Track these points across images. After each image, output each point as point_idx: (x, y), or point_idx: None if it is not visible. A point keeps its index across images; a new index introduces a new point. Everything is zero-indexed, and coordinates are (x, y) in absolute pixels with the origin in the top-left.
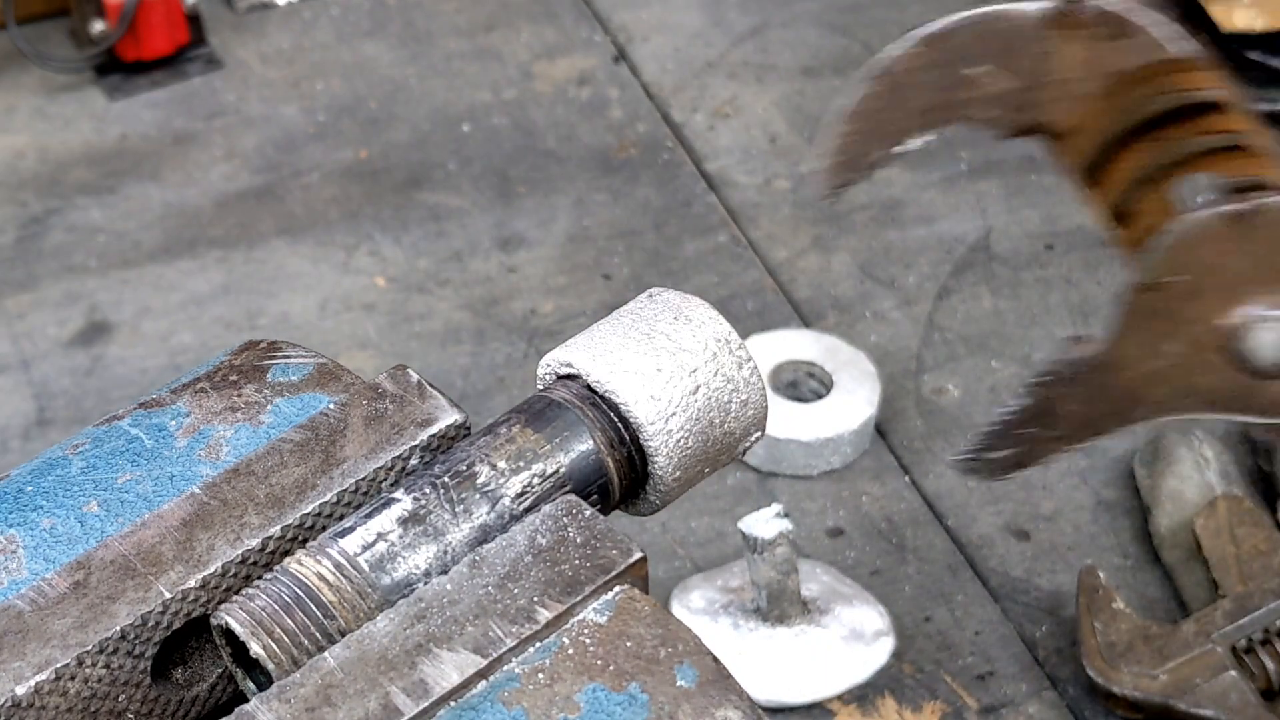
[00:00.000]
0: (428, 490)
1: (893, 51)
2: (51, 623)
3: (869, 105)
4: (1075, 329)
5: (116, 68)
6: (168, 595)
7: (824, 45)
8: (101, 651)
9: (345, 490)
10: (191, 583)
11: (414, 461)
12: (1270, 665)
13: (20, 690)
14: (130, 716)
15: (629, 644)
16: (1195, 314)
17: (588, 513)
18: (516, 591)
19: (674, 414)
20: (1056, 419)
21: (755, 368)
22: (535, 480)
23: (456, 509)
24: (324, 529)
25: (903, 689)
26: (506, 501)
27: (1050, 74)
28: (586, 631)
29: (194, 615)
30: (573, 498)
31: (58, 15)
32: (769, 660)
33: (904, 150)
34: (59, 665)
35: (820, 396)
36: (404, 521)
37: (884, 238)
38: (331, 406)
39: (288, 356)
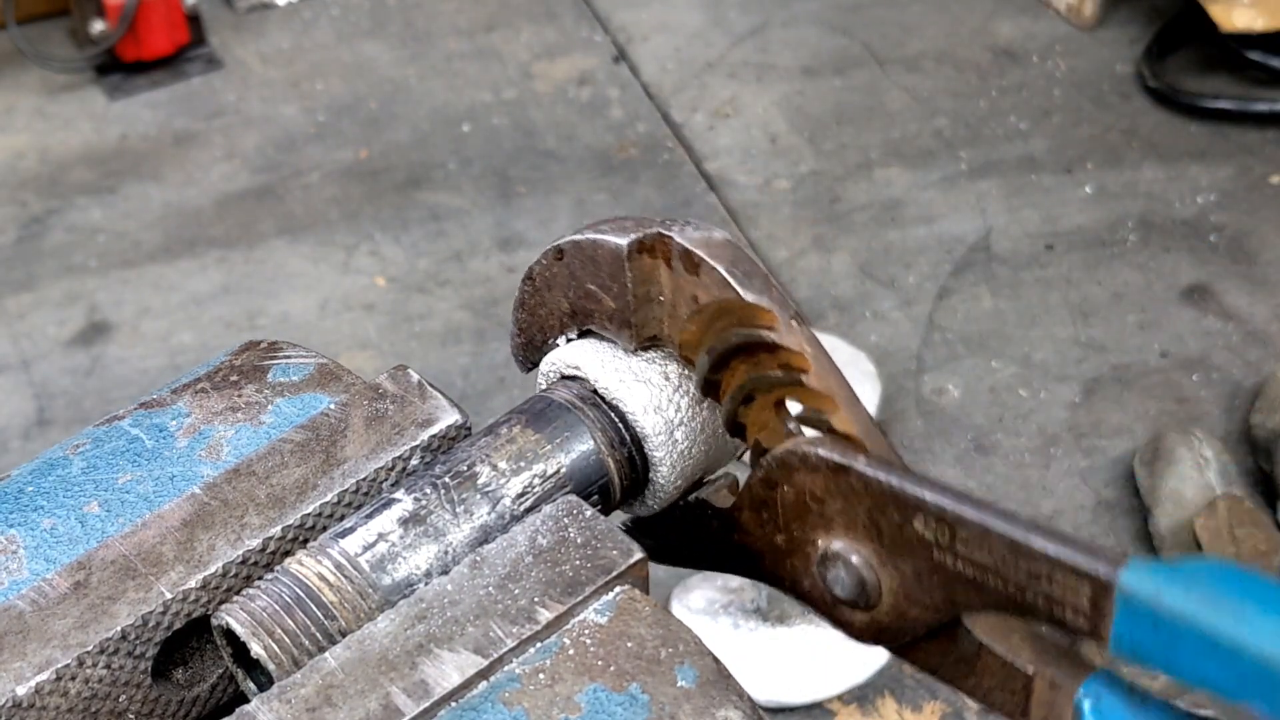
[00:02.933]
0: (428, 490)
1: (536, 259)
2: (52, 623)
3: (528, 299)
4: (1075, 328)
5: (116, 68)
6: (168, 595)
7: (824, 45)
8: (102, 652)
9: (346, 490)
10: (192, 583)
11: (414, 461)
12: None
13: (20, 690)
14: (131, 717)
15: (629, 644)
16: (798, 526)
17: (588, 513)
18: (517, 592)
19: (679, 424)
20: (695, 545)
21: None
22: (536, 480)
23: (457, 509)
24: (324, 529)
25: (903, 689)
26: (507, 502)
27: (650, 296)
28: (587, 632)
29: (194, 615)
30: (573, 498)
31: (58, 15)
32: (769, 660)
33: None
34: (59, 665)
35: None
36: (405, 522)
37: (884, 238)
38: (332, 407)
39: (288, 357)
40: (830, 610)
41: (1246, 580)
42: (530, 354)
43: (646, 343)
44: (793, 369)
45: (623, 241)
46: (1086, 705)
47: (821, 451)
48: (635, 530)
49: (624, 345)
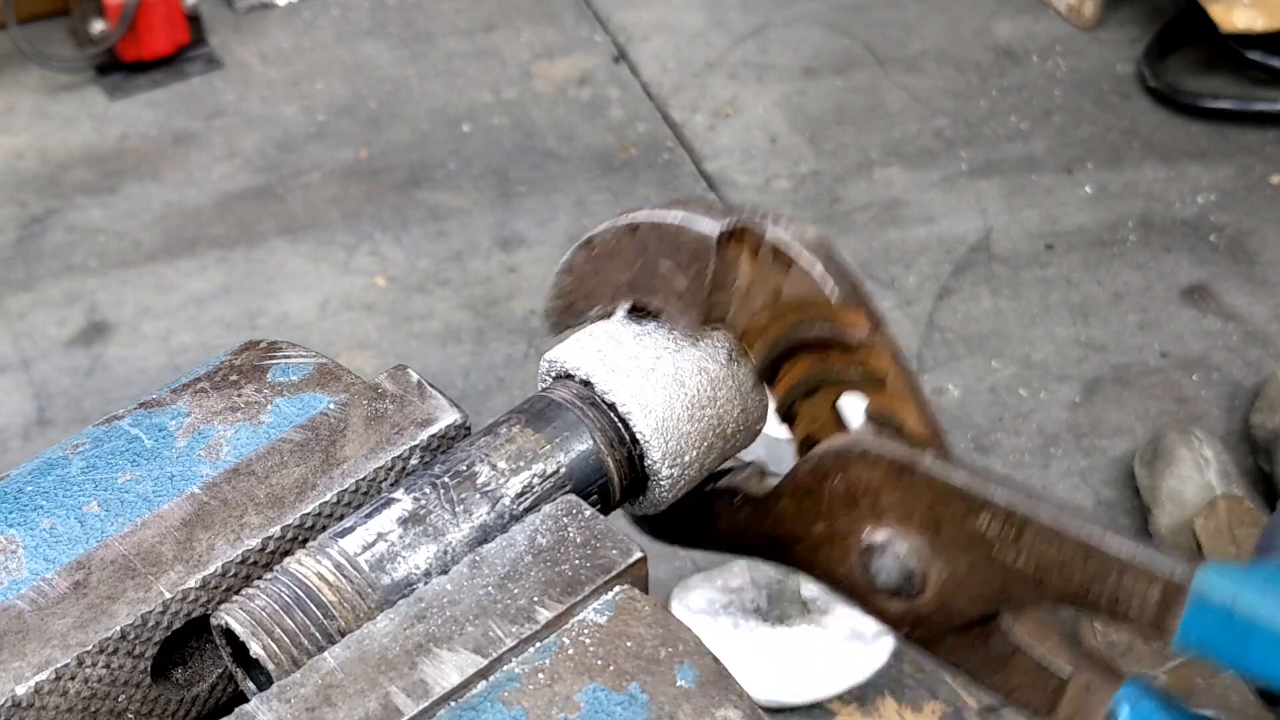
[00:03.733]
0: (428, 490)
1: (599, 227)
2: (51, 623)
3: (580, 265)
4: (1075, 328)
5: (116, 68)
6: (168, 595)
7: (824, 45)
8: (101, 651)
9: (345, 490)
10: (191, 583)
11: (414, 461)
12: None
13: (20, 690)
14: (130, 716)
15: (629, 644)
16: (845, 516)
17: (588, 513)
18: (516, 591)
19: (675, 418)
20: (713, 527)
21: (754, 367)
22: (535, 480)
23: (456, 509)
24: (324, 529)
25: (903, 689)
26: (506, 501)
27: (727, 282)
28: (586, 631)
29: (194, 615)
30: (573, 498)
31: (58, 15)
32: (769, 660)
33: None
34: (59, 665)
35: None
36: (404, 521)
37: (884, 238)
38: (332, 406)
39: (288, 356)
40: (866, 597)
41: None
42: (566, 319)
43: (710, 325)
44: (870, 370)
45: (714, 229)
46: (1124, 710)
47: (886, 448)
48: (656, 522)
49: (685, 326)
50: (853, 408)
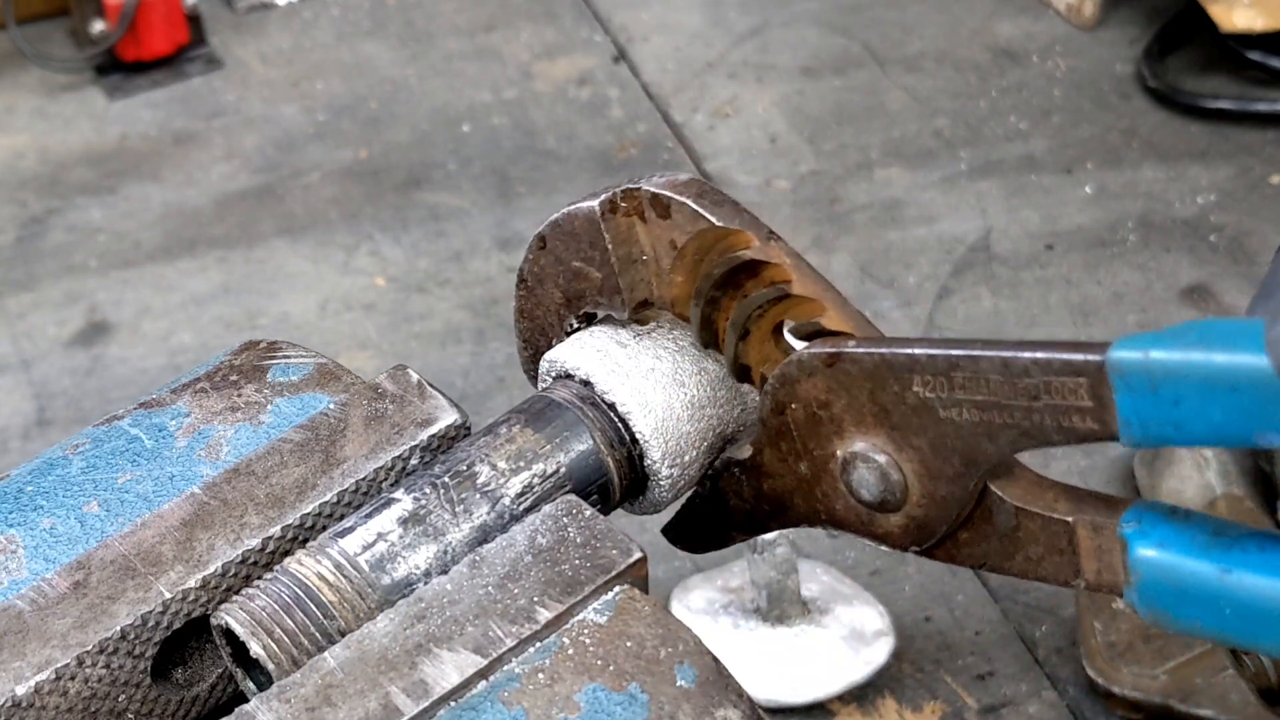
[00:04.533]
0: (428, 490)
1: (524, 258)
2: (51, 623)
3: (523, 304)
4: (1075, 329)
5: (116, 68)
6: (168, 595)
7: (824, 45)
8: (101, 651)
9: (345, 490)
10: (191, 583)
11: (414, 461)
12: (1270, 665)
13: (20, 690)
14: (130, 716)
15: (629, 644)
16: (815, 442)
17: (588, 513)
18: (516, 591)
19: (675, 418)
20: (728, 510)
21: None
22: (535, 480)
23: (456, 509)
24: (324, 529)
25: (903, 689)
26: (506, 501)
27: (633, 256)
28: (586, 631)
29: (194, 615)
30: (573, 498)
31: (58, 15)
32: (769, 660)
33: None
34: (59, 665)
35: None
36: (404, 521)
37: (884, 238)
38: (331, 406)
39: (288, 356)
40: (868, 526)
41: (1225, 326)
42: (539, 364)
43: (639, 307)
44: (777, 283)
45: (594, 204)
46: (1130, 533)
47: (814, 349)
48: (682, 531)
49: (618, 315)
50: (784, 326)
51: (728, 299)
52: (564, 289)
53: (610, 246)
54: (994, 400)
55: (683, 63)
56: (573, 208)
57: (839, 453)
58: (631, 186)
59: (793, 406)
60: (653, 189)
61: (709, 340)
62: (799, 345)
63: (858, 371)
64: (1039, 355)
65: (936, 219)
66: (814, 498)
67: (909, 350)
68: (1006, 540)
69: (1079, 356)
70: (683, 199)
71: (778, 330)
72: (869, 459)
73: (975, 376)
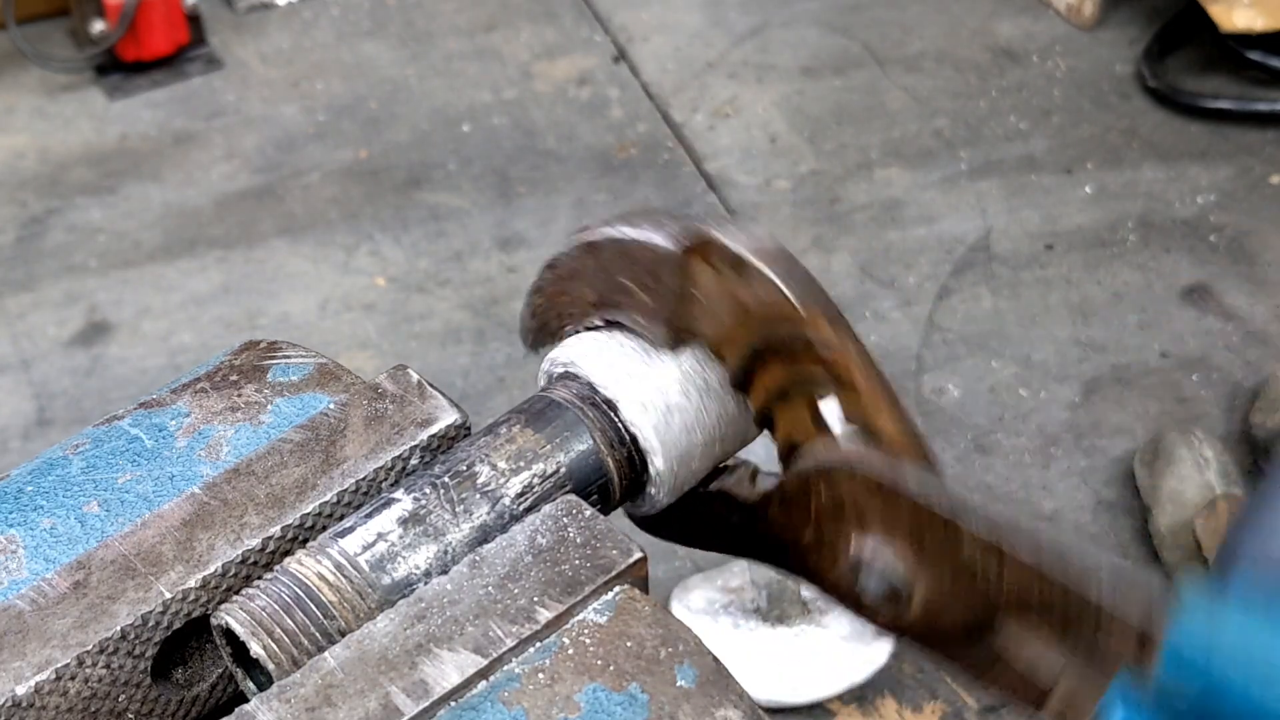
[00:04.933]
0: (428, 490)
1: (562, 248)
2: (52, 623)
3: (548, 286)
4: (1075, 329)
5: (116, 68)
6: (168, 595)
7: (824, 45)
8: (102, 651)
9: (345, 490)
10: (192, 583)
11: (414, 461)
12: None
13: (20, 690)
14: (130, 716)
15: (629, 644)
16: (830, 524)
17: (588, 513)
18: (516, 591)
19: (679, 423)
20: (713, 530)
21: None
22: (535, 480)
23: (456, 509)
24: (324, 529)
25: (903, 689)
26: (507, 501)
27: (690, 295)
28: (586, 632)
29: (194, 615)
30: (573, 498)
31: (58, 15)
32: (769, 660)
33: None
34: (59, 665)
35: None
36: (404, 521)
37: (884, 238)
38: (331, 406)
39: (288, 356)
40: (856, 602)
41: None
42: (543, 338)
43: (677, 334)
44: (836, 370)
45: (669, 245)
46: (1117, 707)
47: (869, 466)
48: (656, 520)
49: (654, 340)
50: (831, 410)
51: (775, 359)
52: (601, 292)
53: (673, 285)
54: (1040, 599)
55: (683, 63)
56: (645, 238)
57: (854, 543)
58: (712, 238)
59: (822, 493)
60: (736, 249)
61: (740, 387)
62: (837, 427)
63: (907, 507)
64: (1105, 598)
65: (936, 219)
66: (810, 561)
67: (966, 520)
68: (988, 659)
69: (1140, 622)
70: (764, 268)
71: (813, 401)
72: (885, 568)
73: (1029, 575)
